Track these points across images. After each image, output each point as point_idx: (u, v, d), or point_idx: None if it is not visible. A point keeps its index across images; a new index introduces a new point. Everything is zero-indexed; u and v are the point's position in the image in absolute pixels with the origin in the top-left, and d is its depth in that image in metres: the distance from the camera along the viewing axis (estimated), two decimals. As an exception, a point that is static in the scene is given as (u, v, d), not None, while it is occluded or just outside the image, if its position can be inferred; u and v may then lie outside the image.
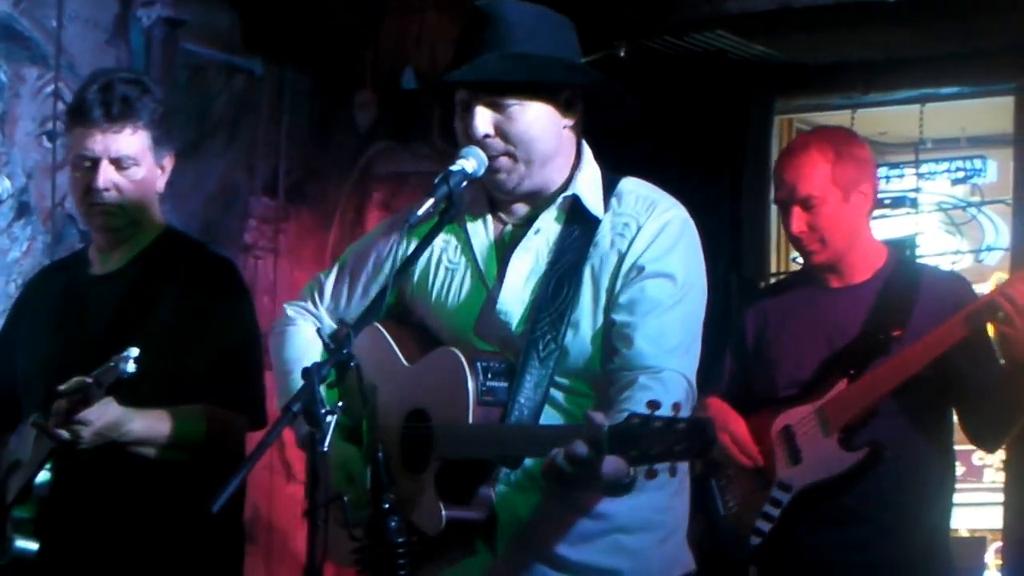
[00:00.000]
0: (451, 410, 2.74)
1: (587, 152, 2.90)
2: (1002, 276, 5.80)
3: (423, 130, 5.78)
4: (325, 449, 2.45)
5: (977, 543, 6.13)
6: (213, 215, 5.42)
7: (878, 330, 3.63)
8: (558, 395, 2.79)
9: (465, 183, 2.74)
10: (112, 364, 3.06)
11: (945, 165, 6.66)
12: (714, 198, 5.58)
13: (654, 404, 2.44)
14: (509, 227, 2.90)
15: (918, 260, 5.71)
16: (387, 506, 2.63)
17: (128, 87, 3.44)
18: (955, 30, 5.23)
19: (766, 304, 3.89)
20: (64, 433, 3.20)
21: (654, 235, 2.78)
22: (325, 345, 2.64)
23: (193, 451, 3.35)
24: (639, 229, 2.79)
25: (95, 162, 3.41)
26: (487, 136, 2.77)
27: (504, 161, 2.79)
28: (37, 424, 3.26)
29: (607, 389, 2.76)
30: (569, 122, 2.84)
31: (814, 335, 3.71)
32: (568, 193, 2.85)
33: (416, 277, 2.94)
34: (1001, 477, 5.67)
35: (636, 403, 2.56)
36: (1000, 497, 5.51)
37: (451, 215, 2.73)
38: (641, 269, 2.76)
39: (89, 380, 3.13)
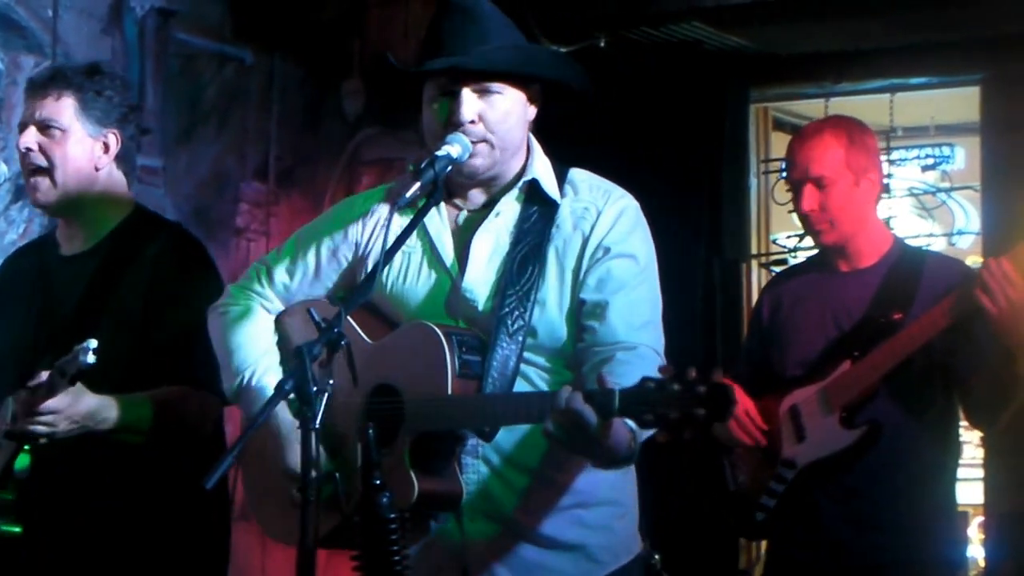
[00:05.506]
0: (427, 383, 2.74)
1: (535, 142, 2.95)
2: (975, 259, 5.82)
3: (409, 117, 5.79)
4: (316, 426, 2.45)
5: (960, 518, 6.22)
6: (206, 200, 5.46)
7: (880, 313, 3.68)
8: (530, 372, 2.82)
9: (450, 168, 2.76)
10: (73, 355, 3.02)
11: (915, 152, 6.75)
12: (693, 184, 5.65)
13: (667, 370, 2.47)
14: (465, 212, 2.91)
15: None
16: (377, 482, 2.63)
17: (67, 68, 3.43)
18: (924, 22, 5.32)
19: (781, 287, 3.95)
20: (38, 428, 3.16)
21: (614, 219, 2.84)
22: (316, 324, 2.60)
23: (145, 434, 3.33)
24: (599, 213, 2.85)
25: (24, 127, 3.39)
26: (472, 122, 2.81)
27: (482, 147, 2.82)
28: (9, 434, 3.23)
29: (578, 367, 2.81)
30: (532, 113, 2.89)
31: (823, 318, 3.76)
32: (528, 177, 2.88)
33: (370, 262, 2.93)
34: (981, 453, 5.68)
35: (620, 376, 2.56)
36: (980, 473, 5.56)
37: (437, 199, 2.78)
38: (607, 250, 2.82)
39: (47, 374, 3.11)
